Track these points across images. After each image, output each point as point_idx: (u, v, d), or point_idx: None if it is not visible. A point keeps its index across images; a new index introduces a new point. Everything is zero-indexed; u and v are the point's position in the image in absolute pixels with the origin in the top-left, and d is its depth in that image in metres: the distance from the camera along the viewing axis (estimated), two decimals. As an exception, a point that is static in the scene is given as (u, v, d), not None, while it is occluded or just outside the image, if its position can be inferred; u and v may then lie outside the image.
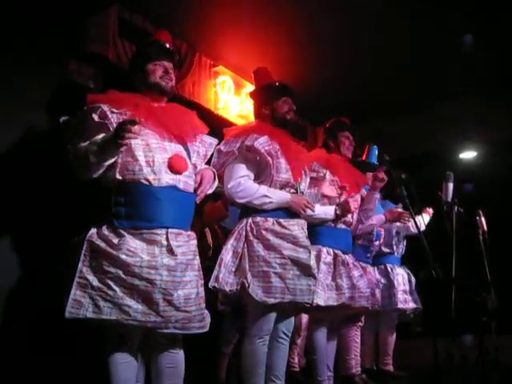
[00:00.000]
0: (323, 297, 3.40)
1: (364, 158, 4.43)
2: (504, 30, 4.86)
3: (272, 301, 2.84)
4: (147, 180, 2.39)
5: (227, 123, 5.13)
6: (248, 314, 3.01)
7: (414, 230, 4.76)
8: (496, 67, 5.46)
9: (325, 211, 3.56)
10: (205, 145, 2.72)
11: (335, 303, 3.47)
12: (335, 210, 3.57)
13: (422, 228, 4.71)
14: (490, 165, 6.16)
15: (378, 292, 4.30)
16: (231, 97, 5.49)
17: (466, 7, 4.54)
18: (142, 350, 2.53)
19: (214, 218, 4.08)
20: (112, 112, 2.42)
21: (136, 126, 2.22)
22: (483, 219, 4.40)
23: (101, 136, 2.34)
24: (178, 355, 2.50)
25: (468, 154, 6.53)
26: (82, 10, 4.04)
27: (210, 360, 3.98)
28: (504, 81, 5.65)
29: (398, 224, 4.63)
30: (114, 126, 2.36)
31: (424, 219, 4.70)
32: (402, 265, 4.85)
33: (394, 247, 4.79)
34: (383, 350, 4.78)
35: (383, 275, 4.67)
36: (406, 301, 4.64)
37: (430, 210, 4.85)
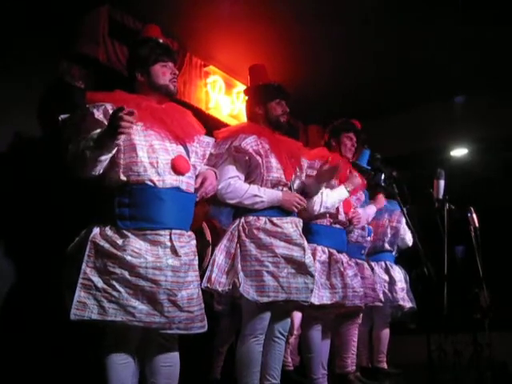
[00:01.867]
0: (317, 295, 3.41)
1: (354, 159, 4.43)
2: (494, 29, 4.88)
3: (265, 299, 2.84)
4: (152, 181, 2.39)
5: (218, 123, 5.13)
6: (243, 313, 3.02)
7: (407, 242, 4.85)
8: (487, 66, 5.49)
9: (337, 192, 3.63)
10: (202, 145, 2.72)
11: (329, 302, 3.49)
12: (345, 187, 3.66)
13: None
14: (481, 162, 6.19)
15: (378, 287, 4.31)
16: (222, 96, 5.48)
17: (455, 9, 4.58)
18: (137, 350, 2.53)
19: (198, 214, 4.05)
20: None
21: (129, 116, 2.18)
22: (475, 216, 4.42)
23: (97, 131, 2.31)
24: (174, 354, 2.50)
25: (459, 152, 6.55)
26: (73, 9, 4.03)
27: (205, 359, 3.97)
28: (495, 79, 5.67)
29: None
30: None
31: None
32: (397, 264, 4.88)
33: (395, 246, 4.83)
34: (377, 348, 4.79)
35: (384, 272, 4.69)
36: (404, 299, 4.67)
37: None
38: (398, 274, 4.75)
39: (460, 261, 4.36)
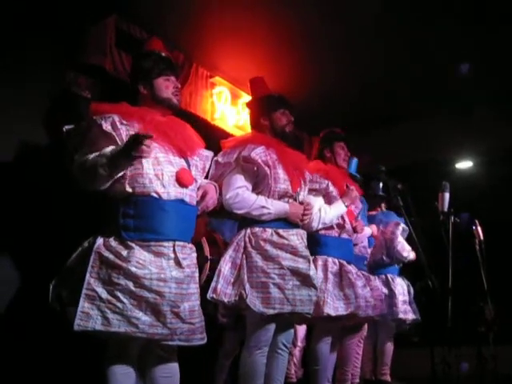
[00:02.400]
0: (333, 307, 3.41)
1: None
2: (498, 41, 4.89)
3: (271, 312, 2.83)
4: (157, 193, 2.39)
5: (224, 134, 5.14)
6: (247, 325, 3.01)
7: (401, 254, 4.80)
8: (492, 78, 5.50)
9: (336, 208, 3.59)
10: (202, 158, 2.73)
11: (345, 312, 3.48)
12: (343, 202, 3.62)
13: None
14: (486, 174, 6.18)
15: (384, 299, 4.30)
16: (228, 107, 5.50)
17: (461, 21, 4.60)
18: (138, 361, 2.52)
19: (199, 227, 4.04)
20: (121, 123, 2.41)
21: (148, 140, 2.23)
22: (479, 228, 4.41)
23: (110, 148, 2.32)
24: (173, 365, 2.49)
25: (464, 164, 6.55)
26: (80, 20, 4.06)
27: (207, 371, 3.95)
28: (500, 91, 5.68)
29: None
30: (123, 137, 2.37)
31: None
32: (401, 275, 4.87)
33: (394, 257, 4.81)
34: (381, 360, 4.77)
35: (384, 285, 4.68)
36: (406, 311, 4.65)
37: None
38: (400, 286, 4.73)
39: (463, 268, 4.34)
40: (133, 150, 2.24)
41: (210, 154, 2.80)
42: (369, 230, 4.40)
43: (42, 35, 3.77)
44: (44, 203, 3.50)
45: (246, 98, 5.54)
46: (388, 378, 4.72)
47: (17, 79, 3.60)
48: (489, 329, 4.16)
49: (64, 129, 2.49)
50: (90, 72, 4.09)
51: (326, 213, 3.51)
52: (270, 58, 5.08)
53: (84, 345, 2.83)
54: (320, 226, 3.51)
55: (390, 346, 4.78)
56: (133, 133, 2.37)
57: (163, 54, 2.70)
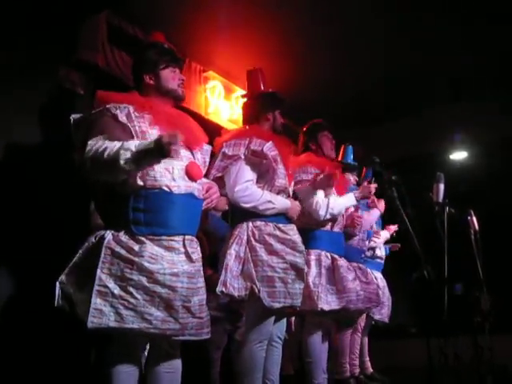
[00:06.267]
0: (326, 301, 3.43)
1: (340, 158, 4.42)
2: (493, 32, 4.91)
3: (277, 305, 2.85)
4: (168, 187, 2.36)
5: (218, 128, 5.12)
6: (247, 318, 3.04)
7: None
8: (484, 68, 5.51)
9: (345, 198, 3.61)
10: (203, 151, 2.71)
11: (337, 307, 3.49)
12: (354, 194, 3.63)
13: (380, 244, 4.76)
14: (480, 165, 6.20)
15: (379, 292, 4.30)
16: (221, 101, 5.50)
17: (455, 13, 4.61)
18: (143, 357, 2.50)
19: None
20: (135, 116, 2.38)
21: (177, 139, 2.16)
22: (474, 219, 4.41)
23: (134, 143, 2.24)
24: (177, 360, 2.48)
25: (459, 155, 6.57)
26: (72, 16, 4.05)
27: (201, 366, 3.95)
28: (495, 82, 5.69)
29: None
30: (137, 129, 2.34)
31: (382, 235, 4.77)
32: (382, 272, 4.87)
33: (372, 252, 4.80)
34: (363, 353, 4.74)
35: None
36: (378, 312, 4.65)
37: (392, 228, 4.82)
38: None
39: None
40: (164, 151, 2.16)
41: (209, 147, 2.78)
42: (377, 213, 4.36)
43: (34, 32, 3.75)
44: (39, 201, 3.49)
45: (240, 92, 5.54)
46: (371, 370, 4.71)
47: (10, 76, 3.59)
48: (485, 319, 4.17)
49: (71, 118, 2.44)
50: (83, 68, 4.08)
51: (336, 202, 3.50)
52: (264, 52, 5.07)
53: (86, 343, 2.83)
54: (328, 216, 3.48)
55: (366, 339, 4.78)
56: (144, 125, 2.36)
57: (167, 46, 2.68)
